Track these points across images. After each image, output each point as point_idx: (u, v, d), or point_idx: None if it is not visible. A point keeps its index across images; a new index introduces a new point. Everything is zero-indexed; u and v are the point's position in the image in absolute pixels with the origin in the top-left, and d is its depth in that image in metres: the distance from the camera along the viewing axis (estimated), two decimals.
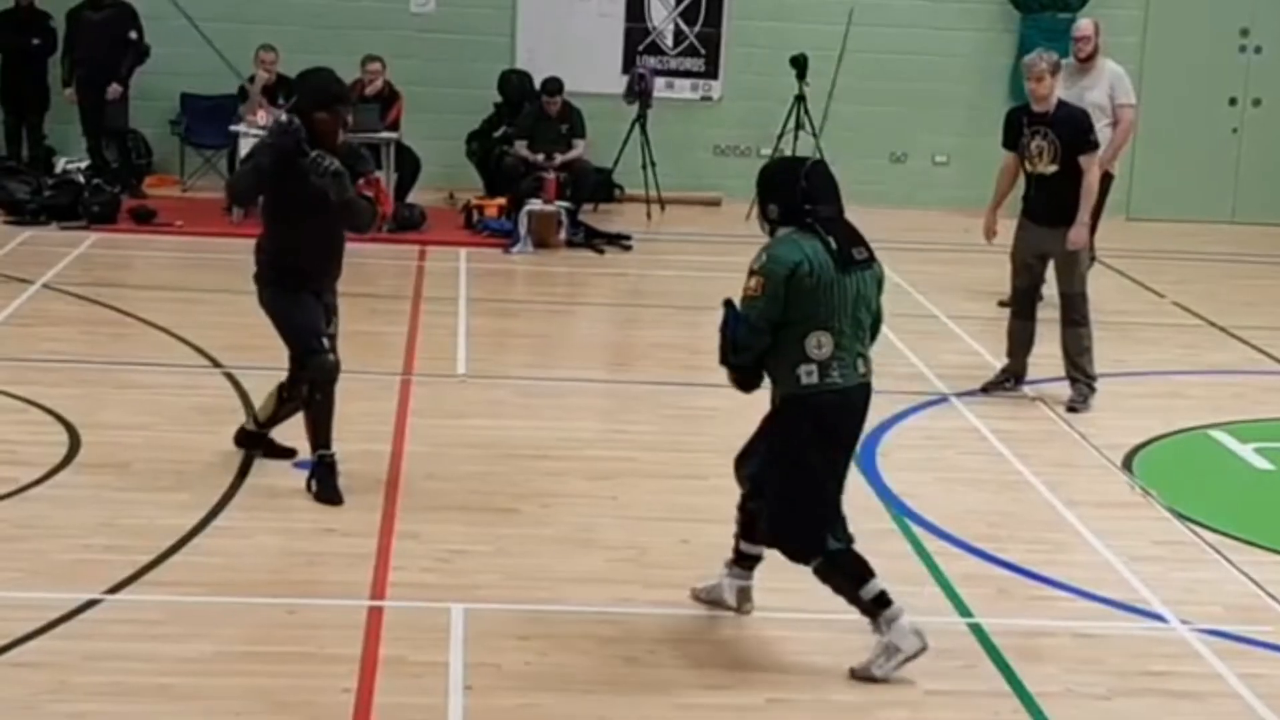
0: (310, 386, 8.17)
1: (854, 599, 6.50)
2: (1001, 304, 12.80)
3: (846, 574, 6.49)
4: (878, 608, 6.45)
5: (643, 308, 13.40)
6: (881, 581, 6.49)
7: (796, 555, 6.60)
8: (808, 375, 6.35)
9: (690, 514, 8.15)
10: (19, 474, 8.25)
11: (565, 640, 6.72)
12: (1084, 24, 13.12)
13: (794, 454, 6.44)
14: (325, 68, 8.35)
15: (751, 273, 6.39)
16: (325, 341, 8.18)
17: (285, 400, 8.45)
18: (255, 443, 8.66)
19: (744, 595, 7.00)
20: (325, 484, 8.10)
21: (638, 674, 6.44)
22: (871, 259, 6.49)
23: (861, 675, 6.44)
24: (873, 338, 6.60)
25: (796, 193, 6.42)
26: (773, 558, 7.52)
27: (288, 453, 8.59)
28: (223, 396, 9.74)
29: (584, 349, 12.24)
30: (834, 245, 6.35)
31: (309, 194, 7.88)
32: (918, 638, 6.45)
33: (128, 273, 13.52)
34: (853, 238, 6.44)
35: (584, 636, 6.74)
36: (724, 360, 6.53)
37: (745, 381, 6.59)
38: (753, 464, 6.79)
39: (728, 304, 6.46)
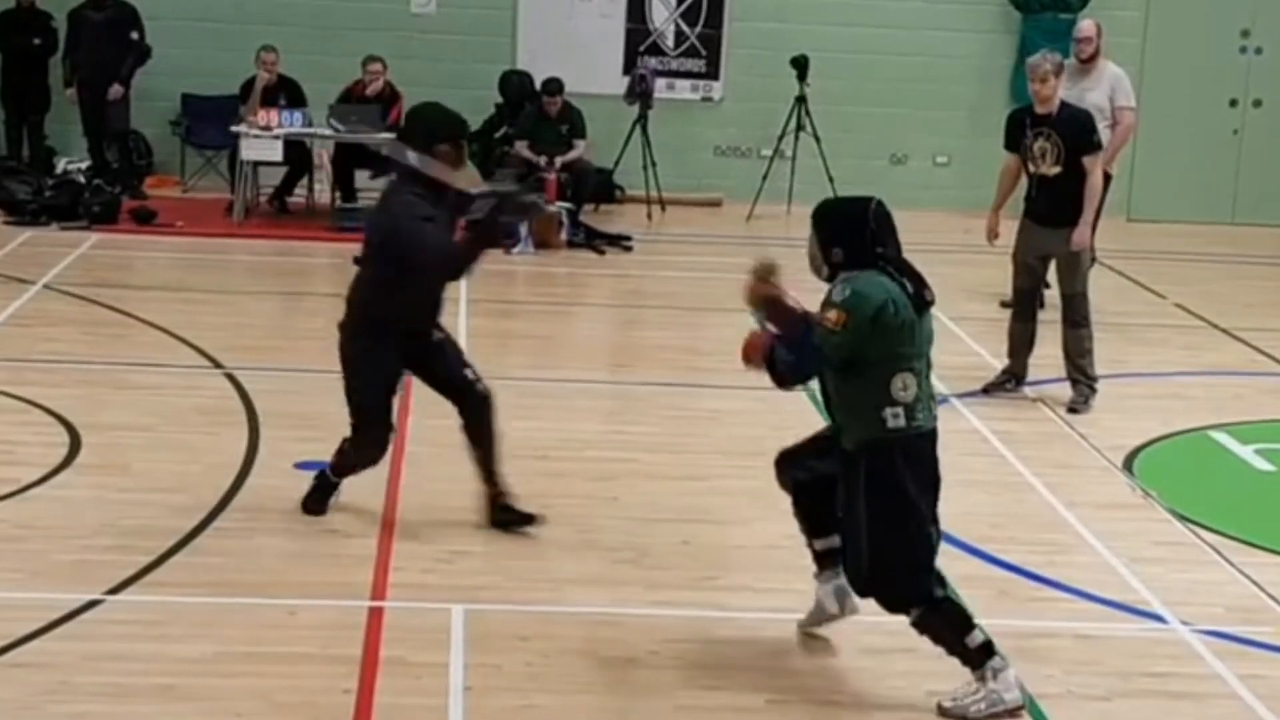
0: (352, 452, 7.80)
1: (957, 648, 6.22)
2: (1003, 304, 12.80)
3: (951, 623, 6.23)
4: (984, 656, 6.21)
5: (644, 309, 13.40)
6: (984, 631, 6.27)
7: (897, 605, 6.27)
8: (894, 418, 6.09)
9: (691, 515, 8.16)
10: (20, 474, 8.25)
11: (565, 641, 6.72)
12: (1086, 25, 13.12)
13: (895, 499, 6.11)
14: (433, 101, 7.97)
15: (832, 305, 6.07)
16: (389, 418, 7.71)
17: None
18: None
19: (843, 594, 6.64)
20: (315, 496, 7.89)
21: (638, 675, 6.44)
22: (933, 299, 6.28)
23: (956, 716, 6.19)
24: None
25: (866, 235, 6.15)
26: (772, 558, 7.53)
27: None
28: (224, 397, 9.74)
29: (585, 350, 12.24)
30: (909, 287, 6.13)
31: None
32: (1021, 691, 6.25)
33: (128, 273, 13.52)
34: (920, 279, 6.22)
35: (584, 638, 6.74)
36: (771, 370, 6.22)
37: (787, 383, 6.39)
38: (799, 469, 6.55)
39: (805, 322, 6.17)
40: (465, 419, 7.80)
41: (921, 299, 6.15)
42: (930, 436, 6.22)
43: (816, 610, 6.75)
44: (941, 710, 6.24)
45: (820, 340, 6.08)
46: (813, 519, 6.60)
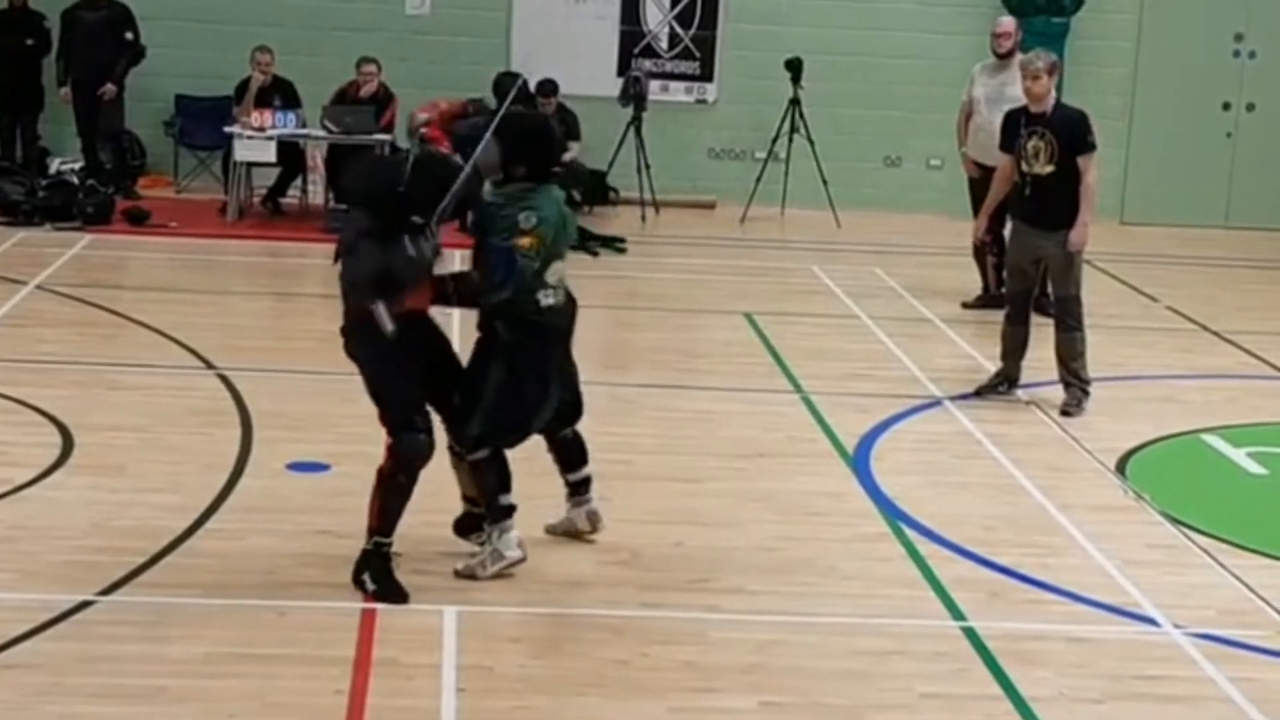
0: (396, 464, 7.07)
1: (488, 500, 7.22)
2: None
3: (495, 477, 7.22)
4: (503, 517, 7.21)
5: (637, 310, 13.38)
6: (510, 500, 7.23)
7: (467, 440, 7.16)
8: (546, 298, 7.12)
9: (684, 517, 8.15)
10: (12, 475, 8.24)
11: (558, 642, 6.73)
12: (1005, 21, 13.59)
13: (536, 369, 7.17)
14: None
15: (524, 234, 6.90)
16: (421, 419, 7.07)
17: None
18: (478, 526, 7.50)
19: (593, 518, 7.72)
20: (382, 579, 7.05)
21: (630, 676, 6.44)
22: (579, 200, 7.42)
23: (465, 575, 7.17)
24: None
25: (550, 154, 7.14)
26: (765, 560, 7.54)
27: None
28: (216, 398, 9.73)
29: (578, 351, 12.11)
30: (574, 195, 7.15)
31: None
32: (520, 549, 7.24)
33: (121, 274, 13.51)
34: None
35: (577, 639, 6.74)
36: (481, 295, 7.11)
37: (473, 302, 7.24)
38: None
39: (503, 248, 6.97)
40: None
41: (574, 201, 7.05)
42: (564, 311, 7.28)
43: (567, 523, 7.76)
44: (456, 573, 7.20)
45: (523, 263, 6.95)
46: (561, 458, 7.72)
